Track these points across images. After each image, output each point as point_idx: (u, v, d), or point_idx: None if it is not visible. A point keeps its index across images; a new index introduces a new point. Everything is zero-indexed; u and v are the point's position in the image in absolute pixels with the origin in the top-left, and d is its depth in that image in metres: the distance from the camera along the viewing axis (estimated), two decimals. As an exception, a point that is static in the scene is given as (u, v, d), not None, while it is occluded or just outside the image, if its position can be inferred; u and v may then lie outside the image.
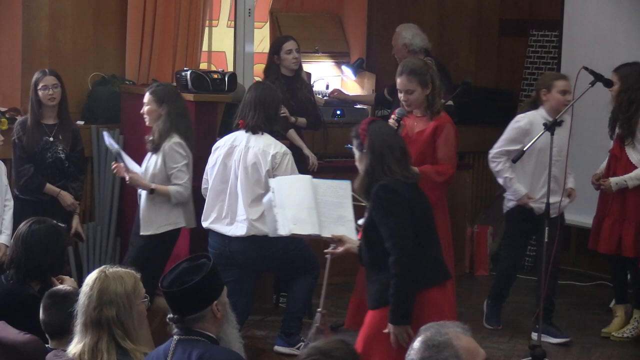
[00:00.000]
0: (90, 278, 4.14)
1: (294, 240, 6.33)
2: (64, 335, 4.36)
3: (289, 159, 6.52)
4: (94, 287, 4.08)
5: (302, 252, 6.63)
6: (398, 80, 6.20)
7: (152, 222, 6.74)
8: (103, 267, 4.18)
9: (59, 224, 5.61)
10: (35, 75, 7.05)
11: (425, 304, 4.85)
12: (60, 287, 4.71)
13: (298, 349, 6.55)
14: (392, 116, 6.21)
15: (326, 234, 5.65)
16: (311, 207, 5.91)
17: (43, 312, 4.47)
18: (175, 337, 4.00)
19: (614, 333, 7.12)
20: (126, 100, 7.87)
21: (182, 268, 4.02)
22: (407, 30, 8.04)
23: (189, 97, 7.36)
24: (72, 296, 4.41)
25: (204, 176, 6.71)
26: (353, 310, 6.39)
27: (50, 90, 6.98)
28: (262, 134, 6.56)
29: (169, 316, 4.00)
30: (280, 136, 6.76)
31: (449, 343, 3.05)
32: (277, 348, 6.74)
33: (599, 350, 6.90)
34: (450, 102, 7.86)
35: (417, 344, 3.07)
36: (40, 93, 7.00)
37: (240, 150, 6.57)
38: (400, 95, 6.20)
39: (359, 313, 6.31)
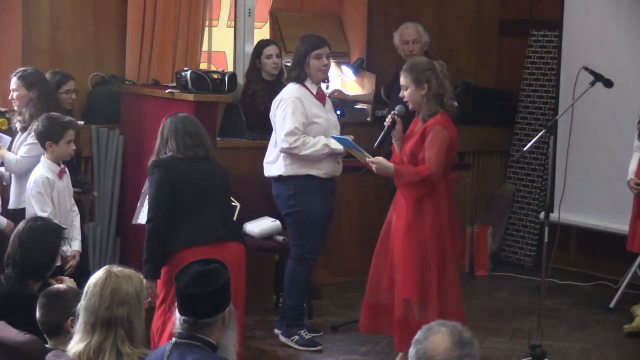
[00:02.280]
0: (98, 278, 4.12)
1: (300, 210, 6.61)
2: (60, 334, 4.36)
3: (283, 105, 6.63)
4: (106, 287, 4.07)
5: (300, 233, 6.67)
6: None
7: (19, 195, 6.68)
8: (107, 267, 4.18)
9: (59, 224, 5.62)
10: (57, 77, 7.05)
11: (194, 255, 5.16)
12: (55, 286, 4.71)
13: (293, 341, 6.68)
14: (392, 112, 6.25)
15: None
16: None
17: (38, 311, 4.48)
18: (173, 339, 3.98)
19: None
20: (126, 100, 7.87)
21: (196, 271, 3.98)
22: (422, 28, 8.06)
23: (189, 97, 7.37)
24: (66, 295, 4.42)
25: None
26: (366, 314, 6.37)
27: (73, 95, 7.04)
28: (288, 83, 6.83)
29: (182, 318, 3.99)
30: (296, 81, 6.76)
31: (474, 339, 3.09)
32: (275, 330, 6.89)
33: (598, 350, 6.90)
34: (455, 103, 7.87)
35: (444, 343, 3.06)
36: (62, 96, 7.02)
37: None
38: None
39: (373, 316, 6.32)
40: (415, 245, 6.06)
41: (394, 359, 6.33)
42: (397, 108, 6.23)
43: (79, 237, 6.46)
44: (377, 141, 6.22)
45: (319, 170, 6.65)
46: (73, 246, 6.37)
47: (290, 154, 6.60)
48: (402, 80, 6.18)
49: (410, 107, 6.20)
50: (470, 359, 3.08)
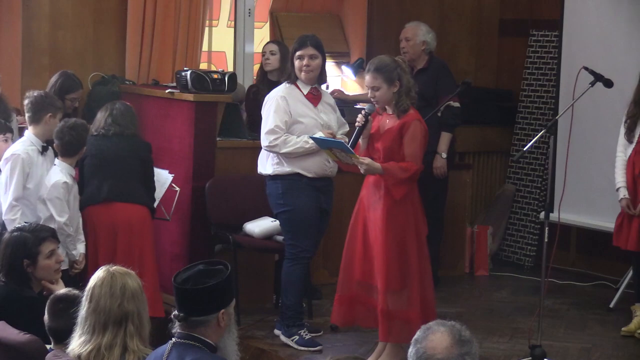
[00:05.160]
0: (103, 279, 4.12)
1: (289, 210, 6.63)
2: (68, 338, 4.35)
3: (268, 104, 6.67)
4: (114, 285, 4.09)
5: (292, 232, 6.69)
6: (366, 77, 6.27)
7: None
8: (104, 267, 4.18)
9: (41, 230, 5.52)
10: (67, 83, 7.07)
11: (88, 214, 6.77)
12: (65, 291, 4.63)
13: (293, 341, 6.68)
14: (362, 112, 6.26)
15: None
16: None
17: (53, 319, 4.42)
18: (173, 339, 3.99)
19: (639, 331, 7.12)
20: (126, 100, 7.86)
21: (199, 269, 4.01)
22: (426, 29, 8.09)
23: (189, 97, 7.37)
24: (78, 300, 4.38)
25: None
26: (340, 307, 6.42)
27: (76, 103, 7.09)
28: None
29: (174, 313, 4.00)
30: (288, 81, 6.76)
31: (473, 337, 3.11)
32: (275, 331, 6.89)
33: (599, 350, 6.90)
34: (456, 104, 7.89)
35: (444, 342, 3.09)
36: (66, 102, 7.05)
37: None
38: (368, 92, 6.25)
39: (346, 309, 6.38)
40: (397, 236, 6.13)
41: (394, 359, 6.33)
42: (367, 107, 6.29)
43: (83, 239, 6.56)
44: (350, 141, 6.22)
45: (305, 170, 6.63)
46: (79, 249, 6.46)
47: (271, 151, 6.61)
48: (372, 81, 6.18)
49: (381, 105, 6.22)
50: (470, 357, 3.09)
